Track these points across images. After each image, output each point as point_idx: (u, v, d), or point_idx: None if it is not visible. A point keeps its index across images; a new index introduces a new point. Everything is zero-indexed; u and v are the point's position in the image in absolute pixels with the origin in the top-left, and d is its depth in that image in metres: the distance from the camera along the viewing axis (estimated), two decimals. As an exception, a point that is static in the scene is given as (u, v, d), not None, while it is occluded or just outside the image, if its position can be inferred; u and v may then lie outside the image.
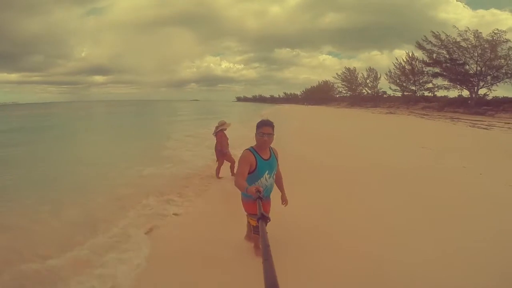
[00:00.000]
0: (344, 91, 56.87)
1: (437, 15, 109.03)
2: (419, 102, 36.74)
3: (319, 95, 65.90)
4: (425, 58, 34.48)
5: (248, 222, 2.49)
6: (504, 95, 29.00)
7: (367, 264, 2.42)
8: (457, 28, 30.50)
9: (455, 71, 31.63)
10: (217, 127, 5.20)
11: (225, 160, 5.25)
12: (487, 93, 30.09)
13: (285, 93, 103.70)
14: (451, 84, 33.02)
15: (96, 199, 4.18)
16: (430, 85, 36.52)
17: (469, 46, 29.85)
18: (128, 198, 4.20)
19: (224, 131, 5.20)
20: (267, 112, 32.79)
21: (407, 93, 40.33)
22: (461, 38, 30.08)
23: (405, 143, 9.52)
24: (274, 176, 2.30)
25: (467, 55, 30.38)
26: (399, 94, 42.11)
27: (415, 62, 37.56)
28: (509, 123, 18.33)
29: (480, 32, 29.04)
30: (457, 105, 30.63)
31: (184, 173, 5.67)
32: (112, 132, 15.21)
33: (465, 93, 31.93)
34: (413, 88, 39.14)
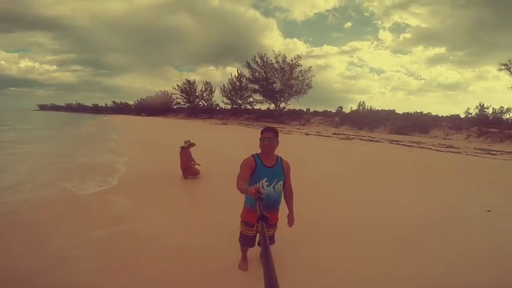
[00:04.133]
0: (183, 103, 57.85)
1: (262, 40, 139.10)
2: (243, 114, 44.09)
3: (156, 105, 62.84)
4: (250, 76, 42.25)
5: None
6: (294, 108, 41.16)
7: None
8: (274, 52, 39.93)
9: (267, 88, 40.90)
10: (182, 147, 5.88)
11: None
12: (285, 106, 41.33)
13: (114, 102, 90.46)
14: (264, 99, 42.45)
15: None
16: (251, 99, 45.02)
17: (278, 68, 39.71)
18: None
19: (189, 148, 5.94)
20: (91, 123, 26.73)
21: (235, 106, 47.24)
22: (275, 61, 39.56)
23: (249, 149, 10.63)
24: (277, 188, 2.18)
25: (276, 76, 40.23)
26: (229, 106, 48.54)
27: (243, 79, 44.91)
28: (299, 128, 25.92)
29: (286, 57, 39.50)
30: (268, 116, 39.65)
31: None
32: None
33: (272, 106, 42.12)
34: (239, 101, 46.56)
